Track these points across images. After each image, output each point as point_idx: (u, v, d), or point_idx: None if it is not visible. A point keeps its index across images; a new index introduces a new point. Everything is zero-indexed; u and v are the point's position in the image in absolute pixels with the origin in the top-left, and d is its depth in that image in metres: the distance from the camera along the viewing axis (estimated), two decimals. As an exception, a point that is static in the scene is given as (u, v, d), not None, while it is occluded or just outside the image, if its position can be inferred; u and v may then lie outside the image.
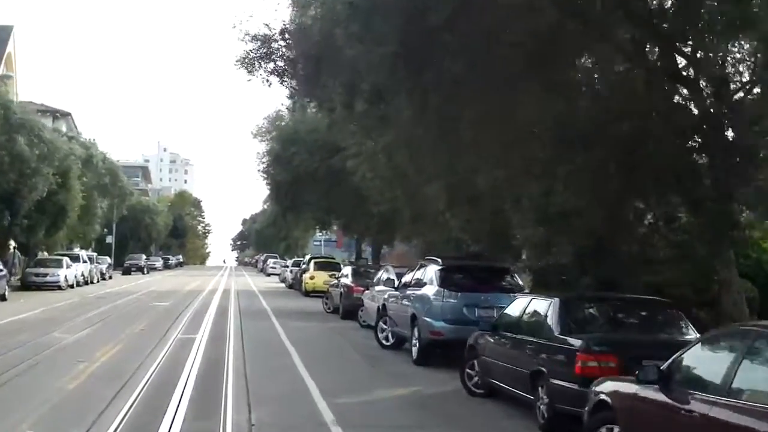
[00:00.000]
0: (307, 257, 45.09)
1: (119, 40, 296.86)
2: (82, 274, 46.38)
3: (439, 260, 15.93)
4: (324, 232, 52.66)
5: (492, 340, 11.59)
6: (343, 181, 31.74)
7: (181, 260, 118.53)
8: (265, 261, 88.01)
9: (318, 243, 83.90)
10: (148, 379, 12.63)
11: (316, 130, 35.52)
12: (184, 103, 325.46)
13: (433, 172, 16.73)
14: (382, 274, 21.20)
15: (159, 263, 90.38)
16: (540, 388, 9.95)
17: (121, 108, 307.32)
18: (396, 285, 17.58)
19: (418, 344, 15.34)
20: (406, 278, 17.21)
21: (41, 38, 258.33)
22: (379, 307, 19.63)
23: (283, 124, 38.10)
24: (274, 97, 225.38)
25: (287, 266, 53.40)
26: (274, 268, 76.19)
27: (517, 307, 11.42)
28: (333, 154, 32.32)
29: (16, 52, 56.98)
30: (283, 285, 53.72)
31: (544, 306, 10.50)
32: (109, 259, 60.16)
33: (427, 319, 15.01)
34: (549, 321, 10.21)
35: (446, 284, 15.08)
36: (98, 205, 53.90)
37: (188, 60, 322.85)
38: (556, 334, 9.92)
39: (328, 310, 27.99)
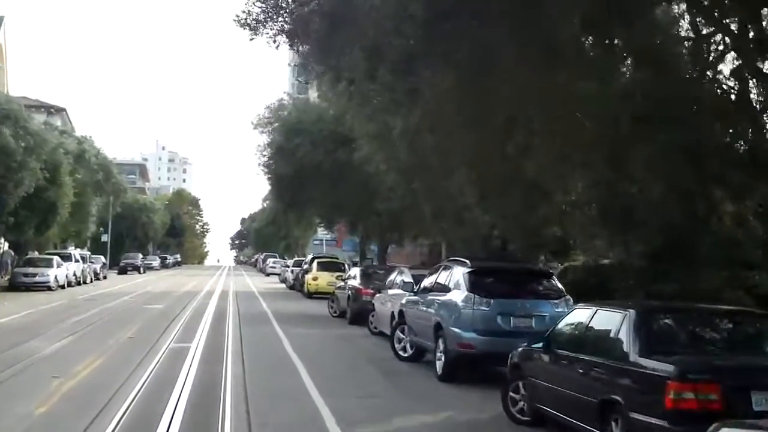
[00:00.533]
0: (309, 257, 42.98)
1: (119, 39, 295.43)
2: (74, 274, 44.41)
3: (468, 261, 13.93)
4: (328, 230, 49.91)
5: (544, 359, 9.60)
6: (350, 176, 29.60)
7: (179, 259, 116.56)
8: (264, 260, 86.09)
9: (318, 242, 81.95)
10: (130, 403, 10.65)
11: (322, 120, 33.50)
12: (183, 102, 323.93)
13: (463, 160, 14.65)
14: (396, 277, 19.23)
15: (156, 262, 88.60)
16: (613, 423, 7.99)
17: (119, 107, 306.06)
18: (415, 289, 15.57)
19: (443, 358, 13.35)
20: (428, 282, 15.22)
21: (42, 37, 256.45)
22: (393, 313, 17.67)
23: (285, 114, 35.70)
24: (275, 89, 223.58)
25: (288, 266, 51.39)
26: (274, 267, 74.38)
27: (578, 318, 9.42)
28: (339, 146, 30.18)
29: (7, 44, 55.16)
30: (283, 285, 51.77)
31: (615, 319, 8.51)
32: (103, 259, 58.08)
33: (455, 330, 13.02)
34: (623, 338, 8.22)
35: (477, 289, 13.09)
36: (91, 202, 51.91)
37: (188, 59, 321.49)
38: (635, 355, 7.95)
39: (334, 314, 26.01)
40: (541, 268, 14.44)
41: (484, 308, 12.85)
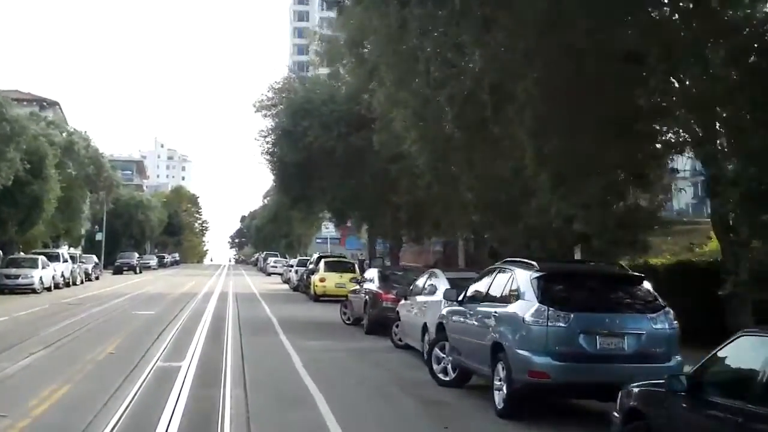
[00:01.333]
0: (315, 256, 39.79)
1: (119, 38, 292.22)
2: (62, 275, 41.42)
3: (534, 263, 10.86)
4: (339, 227, 45.45)
5: (686, 410, 6.55)
6: (367, 163, 26.14)
7: (177, 258, 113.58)
8: (265, 259, 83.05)
9: (321, 241, 78.91)
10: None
11: (333, 100, 29.91)
12: (182, 100, 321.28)
13: (550, 129, 11.38)
14: (427, 281, 16.19)
15: (153, 262, 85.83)
16: None
17: (118, 105, 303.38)
18: (460, 297, 12.51)
19: (505, 388, 10.29)
20: (476, 288, 12.16)
21: (41, 37, 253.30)
22: (427, 325, 14.66)
23: (292, 96, 31.90)
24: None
25: (291, 266, 48.28)
26: (275, 267, 71.37)
27: (746, 349, 6.38)
28: (354, 129, 26.70)
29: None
30: (286, 286, 48.73)
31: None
32: (95, 258, 55.02)
33: (523, 353, 9.96)
34: None
35: (550, 299, 10.04)
36: (82, 197, 48.86)
37: (187, 56, 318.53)
38: None
39: (348, 321, 22.98)
40: (630, 271, 11.34)
41: (561, 324, 9.80)
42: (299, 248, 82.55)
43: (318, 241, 79.63)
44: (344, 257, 40.69)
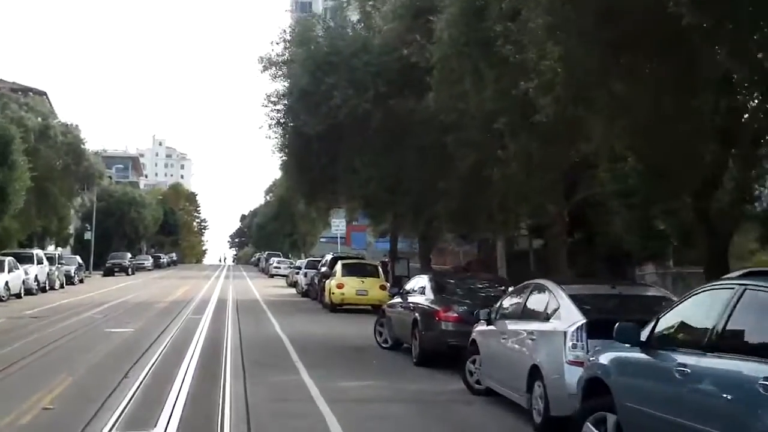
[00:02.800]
0: (328, 257, 34.04)
1: (118, 36, 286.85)
2: (36, 280, 35.83)
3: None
4: (374, 223, 36.53)
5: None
6: (414, 134, 19.75)
7: (174, 258, 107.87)
8: (267, 260, 77.39)
9: (325, 240, 73.29)
10: None
11: (367, 50, 22.53)
12: (181, 98, 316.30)
13: None
14: (533, 298, 10.54)
15: (148, 262, 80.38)
16: None
17: (116, 102, 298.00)
18: (643, 336, 6.91)
19: None
20: (684, 321, 6.58)
21: (42, 35, 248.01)
22: (536, 367, 9.24)
23: (312, 47, 24.00)
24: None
25: (299, 268, 42.66)
26: (279, 268, 65.82)
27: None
28: (398, 89, 20.30)
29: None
30: (292, 291, 43.20)
31: None
32: (79, 259, 49.41)
33: None
34: None
35: None
36: (62, 190, 43.20)
37: (188, 54, 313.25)
38: None
39: (385, 344, 17.40)
40: None
41: None
42: (303, 248, 76.84)
43: (322, 240, 74.05)
44: (363, 258, 35.15)
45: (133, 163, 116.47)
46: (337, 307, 27.78)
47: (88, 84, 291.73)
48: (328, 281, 29.37)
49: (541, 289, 10.42)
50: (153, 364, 13.98)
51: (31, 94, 61.44)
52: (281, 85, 25.74)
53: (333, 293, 27.92)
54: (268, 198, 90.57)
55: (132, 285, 47.02)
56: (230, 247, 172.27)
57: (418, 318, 14.94)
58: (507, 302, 11.45)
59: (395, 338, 16.99)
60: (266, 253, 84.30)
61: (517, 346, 10.33)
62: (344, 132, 23.56)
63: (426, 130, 18.65)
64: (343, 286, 27.74)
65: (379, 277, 28.63)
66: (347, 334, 20.32)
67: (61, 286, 40.89)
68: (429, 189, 19.84)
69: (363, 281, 27.89)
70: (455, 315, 14.12)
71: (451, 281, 16.29)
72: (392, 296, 17.79)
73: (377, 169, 23.92)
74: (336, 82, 22.65)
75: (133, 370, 13.40)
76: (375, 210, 27.80)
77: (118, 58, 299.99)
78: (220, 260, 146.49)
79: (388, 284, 28.32)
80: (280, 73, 25.51)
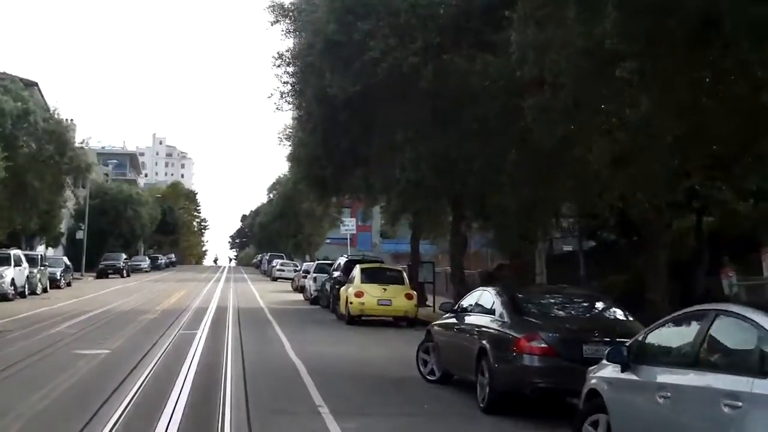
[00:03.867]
0: (343, 260, 29.92)
1: (119, 34, 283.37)
2: (13, 284, 31.88)
3: None
4: (426, 225, 29.83)
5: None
6: (476, 99, 14.78)
7: (173, 259, 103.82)
8: (270, 262, 73.35)
9: (330, 241, 69.26)
10: None
11: None
12: (182, 97, 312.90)
13: None
14: (740, 335, 6.49)
15: (146, 263, 76.70)
16: None
17: (116, 101, 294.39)
18: None
19: None
20: None
21: (43, 33, 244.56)
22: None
23: None
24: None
25: (308, 272, 38.61)
26: (283, 271, 61.83)
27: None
28: (451, 40, 15.15)
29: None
30: (299, 297, 39.17)
31: None
32: (66, 260, 45.40)
33: None
34: None
35: None
36: (52, 185, 39.19)
37: (190, 52, 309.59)
38: None
39: (431, 377, 13.31)
40: None
41: None
42: (308, 249, 72.74)
43: (327, 241, 70.02)
44: (381, 261, 31.10)
45: (130, 159, 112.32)
46: (355, 319, 23.80)
47: (89, 82, 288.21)
48: (344, 288, 25.35)
49: (738, 318, 6.36)
50: (122, 414, 9.91)
51: (22, 84, 57.60)
52: (298, 40, 20.34)
53: (351, 302, 23.87)
54: (270, 196, 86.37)
55: (124, 289, 43.11)
56: (231, 248, 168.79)
57: (487, 347, 10.88)
58: (658, 337, 7.40)
59: (445, 370, 12.96)
60: (269, 254, 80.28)
61: (698, 414, 6.30)
62: (382, 96, 18.17)
63: (487, 96, 13.90)
64: (362, 294, 23.74)
65: (404, 284, 24.64)
66: (377, 358, 16.30)
67: (44, 291, 36.95)
68: (493, 173, 14.99)
69: (385, 289, 23.92)
70: (544, 345, 10.11)
71: (529, 297, 12.13)
72: (444, 313, 13.71)
73: (428, 145, 18.04)
74: (373, 30, 17.02)
75: (97, 417, 9.41)
76: (422, 202, 21.97)
77: (119, 57, 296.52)
78: (214, 261, 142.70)
79: (414, 293, 24.46)
80: (295, 25, 20.06)
